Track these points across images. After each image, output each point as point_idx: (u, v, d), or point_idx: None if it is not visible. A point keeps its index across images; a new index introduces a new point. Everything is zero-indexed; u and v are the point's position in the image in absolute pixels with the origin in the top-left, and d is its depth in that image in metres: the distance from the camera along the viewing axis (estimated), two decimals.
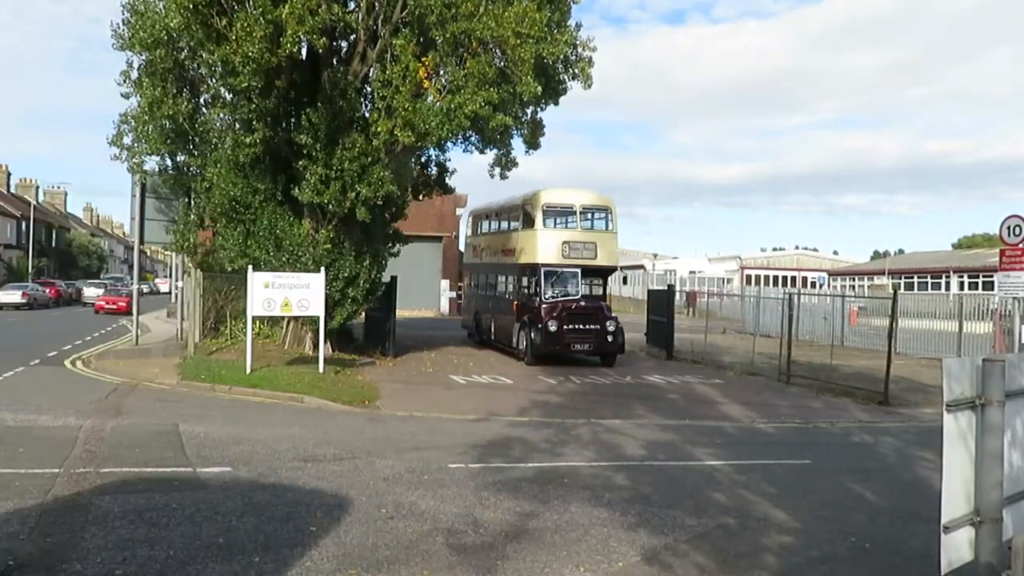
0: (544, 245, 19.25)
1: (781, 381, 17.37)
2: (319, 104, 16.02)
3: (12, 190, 68.88)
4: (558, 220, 20.21)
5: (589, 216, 20.38)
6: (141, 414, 11.24)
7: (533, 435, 10.45)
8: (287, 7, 14.20)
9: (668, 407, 13.80)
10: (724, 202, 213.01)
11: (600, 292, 21.05)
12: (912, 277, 51.10)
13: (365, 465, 8.45)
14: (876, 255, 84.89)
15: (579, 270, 19.30)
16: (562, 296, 19.07)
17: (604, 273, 20.94)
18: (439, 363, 18.89)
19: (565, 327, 18.44)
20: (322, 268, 15.78)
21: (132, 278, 27.53)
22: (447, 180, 20.91)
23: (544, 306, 18.72)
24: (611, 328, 18.83)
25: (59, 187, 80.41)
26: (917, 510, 7.23)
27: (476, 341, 23.48)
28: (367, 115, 17.14)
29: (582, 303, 19.00)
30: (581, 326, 18.69)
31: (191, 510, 6.53)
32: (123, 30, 16.31)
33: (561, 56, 16.82)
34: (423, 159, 20.37)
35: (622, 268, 60.86)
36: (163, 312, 34.17)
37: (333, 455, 8.93)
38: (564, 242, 19.32)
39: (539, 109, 18.39)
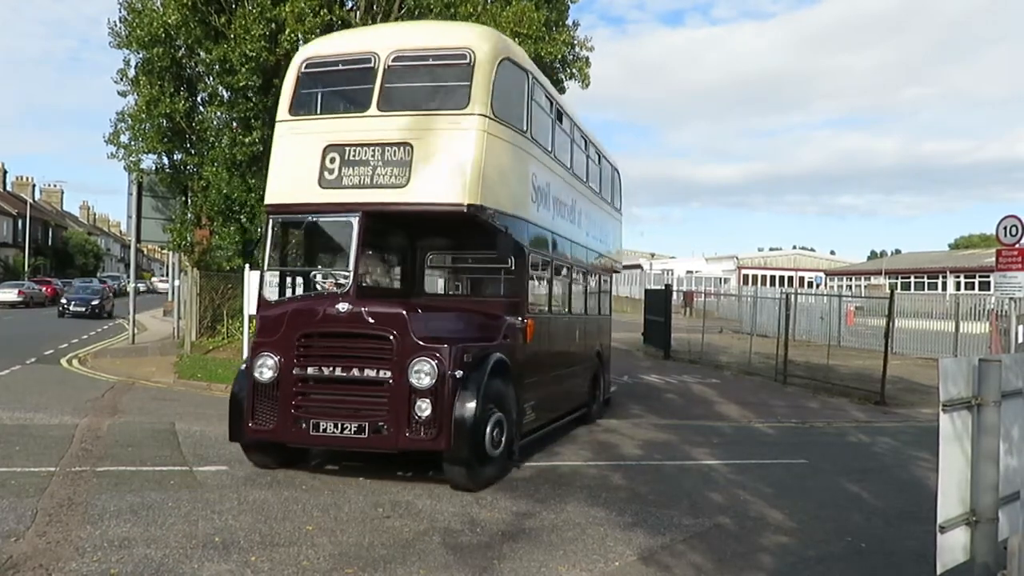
0: (282, 160, 8.23)
1: (778, 381, 17.39)
2: None
3: (8, 188, 68.80)
4: (332, 99, 8.69)
5: (412, 80, 8.17)
6: (137, 412, 11.22)
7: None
8: (288, 5, 14.20)
9: (665, 407, 13.80)
10: (721, 202, 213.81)
11: (500, 288, 9.41)
12: (909, 277, 51.19)
13: (362, 464, 8.43)
14: (873, 255, 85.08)
15: (355, 219, 7.64)
16: (323, 294, 8.61)
17: (454, 226, 8.68)
18: None
19: (296, 373, 7.41)
20: None
21: (130, 276, 27.51)
22: None
23: (264, 320, 8.08)
24: (422, 378, 7.08)
25: (56, 185, 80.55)
26: (913, 510, 7.24)
27: None
28: None
29: (340, 310, 7.38)
30: (338, 371, 7.34)
31: (187, 508, 6.52)
32: (121, 28, 16.33)
33: (559, 56, 16.87)
34: None
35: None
36: (159, 311, 34.15)
37: (329, 453, 8.92)
38: (329, 147, 7.83)
39: None
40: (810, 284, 59.99)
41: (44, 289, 45.31)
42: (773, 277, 64.72)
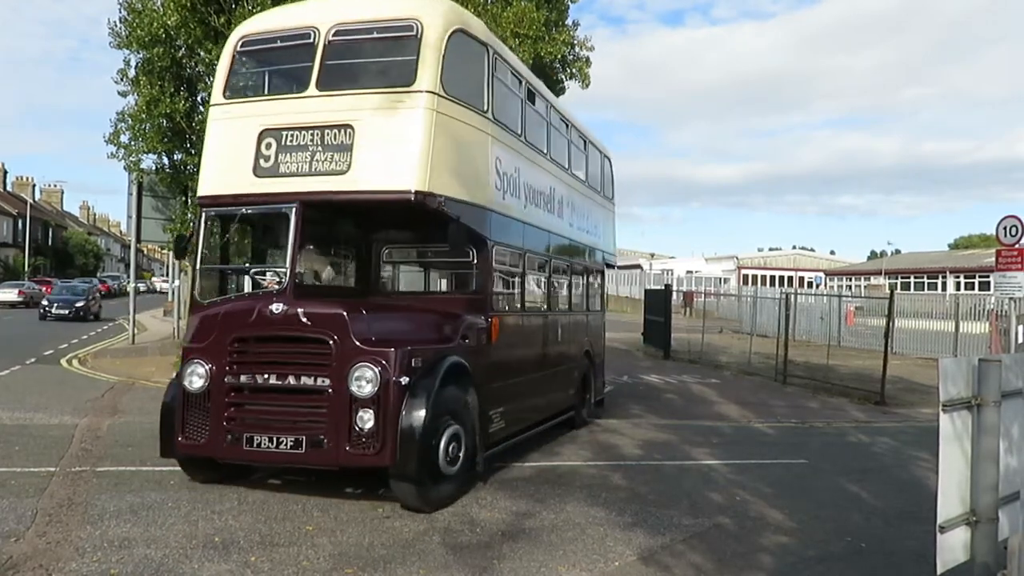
0: (216, 148, 7.68)
1: (778, 381, 17.39)
2: None
3: (8, 188, 68.81)
4: (269, 79, 8.09)
5: (355, 56, 7.58)
6: (137, 412, 11.22)
7: (529, 434, 10.42)
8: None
9: (665, 407, 13.80)
10: (721, 202, 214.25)
11: (463, 284, 9.00)
12: (909, 277, 51.21)
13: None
14: (873, 255, 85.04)
15: (292, 210, 6.96)
16: (258, 294, 7.53)
17: (411, 217, 7.82)
18: None
19: (228, 382, 6.75)
20: None
21: (130, 276, 27.53)
22: None
23: (195, 323, 7.47)
24: (363, 385, 6.40)
25: (56, 185, 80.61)
26: (913, 510, 7.24)
27: None
28: None
29: (274, 311, 6.70)
30: (273, 379, 6.69)
31: (187, 508, 6.52)
32: (121, 28, 16.33)
33: (559, 56, 16.88)
34: None
35: (613, 267, 58.33)
36: (160, 310, 34.15)
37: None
38: (264, 132, 7.21)
39: None
40: (810, 284, 59.99)
41: (44, 289, 45.23)
42: (773, 277, 64.72)
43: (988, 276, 34.42)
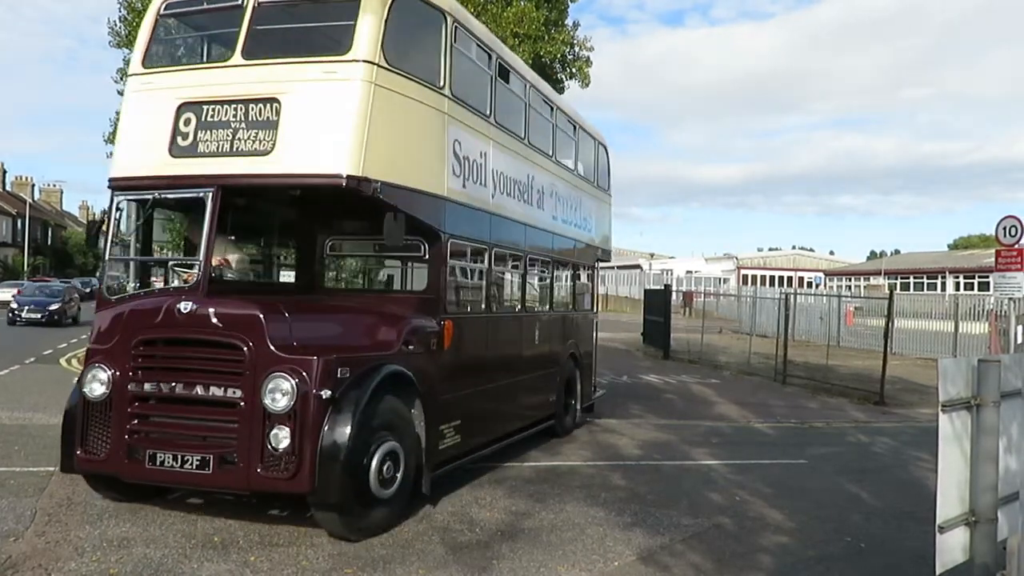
0: (131, 124, 6.98)
1: (777, 381, 17.40)
2: None
3: (7, 188, 68.77)
4: (192, 47, 7.81)
5: (287, 20, 6.89)
6: None
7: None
8: None
9: (665, 407, 13.80)
10: (721, 202, 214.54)
11: (414, 283, 8.16)
12: (908, 277, 51.19)
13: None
14: (872, 255, 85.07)
15: (208, 195, 6.19)
16: (168, 289, 6.98)
17: (360, 205, 6.55)
18: None
19: (132, 390, 5.97)
20: None
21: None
22: None
23: (99, 322, 6.67)
24: (277, 399, 5.59)
25: (55, 185, 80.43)
26: (912, 510, 7.24)
27: None
28: None
29: (182, 310, 5.85)
30: (179, 388, 5.89)
31: (186, 508, 6.52)
32: (120, 27, 16.35)
33: (558, 55, 16.92)
34: None
35: (607, 266, 56.96)
36: None
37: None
38: (183, 106, 6.42)
39: None
40: (809, 284, 59.98)
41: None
42: (772, 277, 64.71)
43: (988, 276, 34.41)
